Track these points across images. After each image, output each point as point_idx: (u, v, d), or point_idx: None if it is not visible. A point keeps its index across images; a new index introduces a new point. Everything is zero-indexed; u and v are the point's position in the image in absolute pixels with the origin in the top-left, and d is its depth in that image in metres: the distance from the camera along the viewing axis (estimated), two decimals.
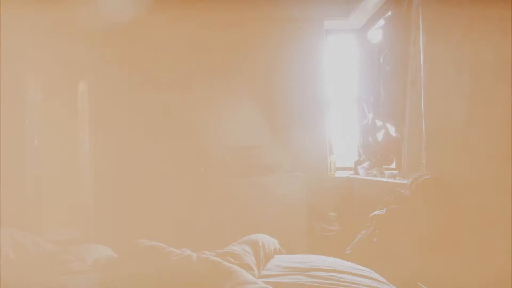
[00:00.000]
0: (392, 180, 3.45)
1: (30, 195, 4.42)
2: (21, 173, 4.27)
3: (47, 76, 4.92)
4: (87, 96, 4.53)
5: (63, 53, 4.66)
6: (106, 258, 1.94)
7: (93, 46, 4.47)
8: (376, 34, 4.34)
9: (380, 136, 4.20)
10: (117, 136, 4.33)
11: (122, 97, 4.47)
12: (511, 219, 1.99)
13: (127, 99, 4.48)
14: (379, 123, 4.17)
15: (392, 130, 3.95)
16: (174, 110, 4.50)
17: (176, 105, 4.50)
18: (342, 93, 5.03)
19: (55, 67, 5.12)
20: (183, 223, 3.90)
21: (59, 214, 5.73)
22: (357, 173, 4.46)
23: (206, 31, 4.55)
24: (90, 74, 4.49)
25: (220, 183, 3.99)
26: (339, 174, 4.68)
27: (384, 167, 4.09)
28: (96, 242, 4.17)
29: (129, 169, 4.28)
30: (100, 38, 4.48)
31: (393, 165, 4.03)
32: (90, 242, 4.15)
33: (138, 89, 4.48)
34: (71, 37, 4.35)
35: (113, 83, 4.49)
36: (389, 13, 3.89)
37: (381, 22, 4.14)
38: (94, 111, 4.47)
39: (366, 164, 4.27)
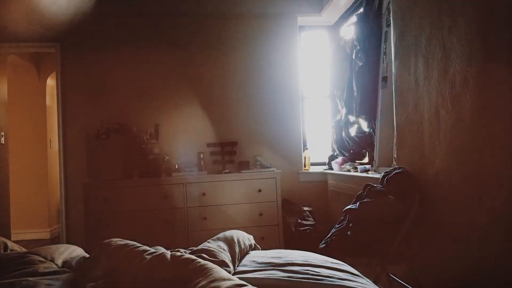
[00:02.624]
0: (364, 174, 3.51)
1: None
2: None
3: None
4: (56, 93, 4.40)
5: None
6: (78, 258, 1.89)
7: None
8: (349, 30, 4.39)
9: (353, 131, 4.26)
10: (88, 134, 4.22)
11: (91, 94, 4.37)
12: (481, 211, 2.05)
13: (97, 96, 4.38)
14: (352, 118, 4.23)
15: (364, 125, 4.02)
16: (146, 106, 4.43)
17: (148, 102, 4.43)
18: (315, 89, 5.08)
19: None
20: (156, 221, 3.86)
21: (27, 214, 5.56)
22: (331, 168, 4.51)
23: (180, 27, 4.50)
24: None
25: (194, 179, 3.96)
26: (313, 169, 4.73)
27: (357, 161, 4.16)
28: (67, 242, 4.09)
29: (102, 167, 4.18)
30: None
31: (366, 160, 4.11)
32: (60, 242, 4.06)
33: (110, 85, 4.40)
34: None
35: (82, 77, 4.38)
36: (361, 9, 3.95)
37: (353, 18, 4.19)
38: (64, 107, 4.35)
39: (339, 159, 4.33)
